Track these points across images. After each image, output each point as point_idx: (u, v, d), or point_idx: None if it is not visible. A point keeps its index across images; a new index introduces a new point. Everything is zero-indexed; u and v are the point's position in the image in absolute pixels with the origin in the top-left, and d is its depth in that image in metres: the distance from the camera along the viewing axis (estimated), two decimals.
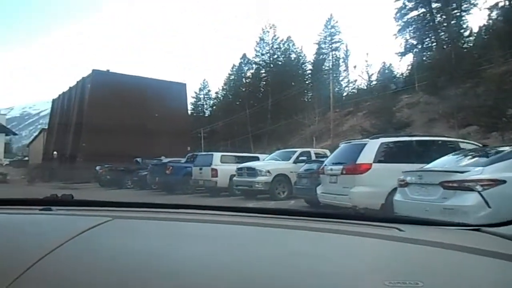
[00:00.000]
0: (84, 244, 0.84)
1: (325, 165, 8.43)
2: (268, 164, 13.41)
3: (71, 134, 34.23)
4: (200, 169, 15.29)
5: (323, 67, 53.90)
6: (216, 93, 65.94)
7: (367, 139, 8.03)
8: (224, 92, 62.77)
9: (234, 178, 13.75)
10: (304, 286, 0.70)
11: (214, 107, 65.55)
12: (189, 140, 38.40)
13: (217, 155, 15.32)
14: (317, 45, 55.02)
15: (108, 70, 35.93)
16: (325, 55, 54.95)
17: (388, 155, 7.55)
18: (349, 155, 7.88)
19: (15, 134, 52.24)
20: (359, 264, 0.79)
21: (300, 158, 13.33)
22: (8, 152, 65.14)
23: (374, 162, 7.34)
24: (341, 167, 7.72)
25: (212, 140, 49.73)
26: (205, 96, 67.01)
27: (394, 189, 6.79)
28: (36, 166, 39.25)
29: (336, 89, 48.78)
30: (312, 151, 14.46)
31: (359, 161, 7.41)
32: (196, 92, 64.40)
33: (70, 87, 39.62)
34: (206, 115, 65.00)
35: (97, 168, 26.28)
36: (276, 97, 47.81)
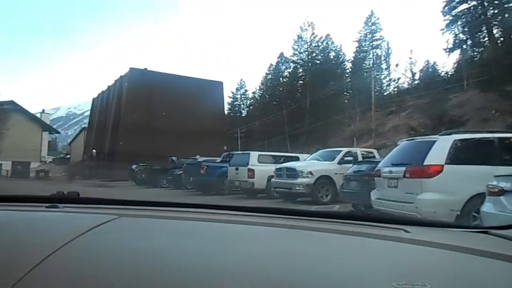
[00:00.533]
0: (90, 242, 0.82)
1: (382, 166, 7.11)
2: (310, 164, 12.17)
3: (109, 132, 34.21)
4: (236, 169, 14.25)
5: (363, 65, 51.85)
6: (253, 93, 65.23)
7: (435, 136, 6.64)
8: (261, 92, 61.82)
9: (273, 180, 12.60)
10: (310, 287, 0.68)
11: (251, 107, 64.83)
12: (226, 139, 37.56)
13: (254, 155, 14.22)
14: (357, 42, 52.97)
15: (145, 69, 35.70)
16: (365, 53, 52.85)
17: (463, 155, 6.17)
18: (414, 154, 6.56)
19: (58, 132, 53.51)
20: (366, 265, 0.77)
21: (345, 158, 12.03)
22: (54, 150, 67.14)
23: (446, 163, 5.99)
24: (403, 169, 6.39)
25: (249, 140, 48.87)
26: (242, 96, 66.37)
27: (474, 197, 5.54)
28: (76, 164, 39.75)
29: (377, 88, 46.64)
30: (358, 151, 13.06)
31: (427, 162, 6.07)
32: (233, 92, 63.83)
33: (108, 86, 39.75)
34: (243, 115, 64.35)
35: (133, 166, 26.01)
36: (314, 96, 46.36)
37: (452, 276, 0.75)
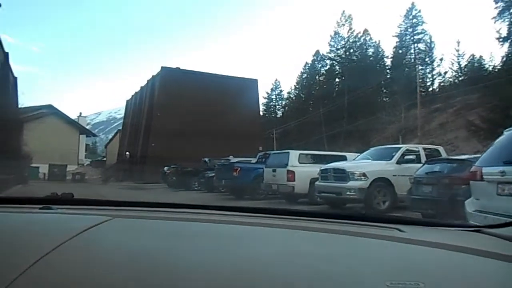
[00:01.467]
0: (84, 243, 0.81)
1: (483, 165, 4.95)
2: (363, 165, 10.02)
3: (141, 134, 33.15)
4: (274, 170, 12.31)
5: (404, 61, 48.69)
6: (288, 93, 63.36)
7: None
8: (297, 92, 59.78)
9: (317, 183, 10.57)
10: (305, 287, 0.68)
11: (286, 108, 63.05)
12: (261, 139, 35.71)
13: (294, 154, 12.21)
14: (397, 37, 49.93)
15: (177, 68, 34.41)
16: (406, 48, 49.65)
17: None
18: None
19: (94, 135, 53.62)
20: (359, 264, 0.77)
21: (406, 157, 9.84)
22: (94, 153, 67.66)
23: None
24: None
25: (284, 141, 46.88)
26: (277, 97, 64.57)
27: None
28: (111, 166, 39.15)
29: (420, 84, 43.42)
30: (421, 148, 10.79)
31: None
32: (267, 93, 62.06)
33: (141, 87, 38.81)
34: (278, 116, 62.56)
35: (165, 168, 24.75)
36: (353, 94, 43.82)
37: (446, 275, 0.74)
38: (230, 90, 32.44)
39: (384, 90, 49.24)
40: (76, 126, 44.18)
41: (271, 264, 0.75)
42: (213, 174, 17.65)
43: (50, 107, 42.61)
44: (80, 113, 48.39)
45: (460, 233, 1.09)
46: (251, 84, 36.50)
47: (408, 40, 49.41)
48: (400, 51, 49.45)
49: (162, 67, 33.29)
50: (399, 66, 47.21)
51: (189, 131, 28.72)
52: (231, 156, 17.68)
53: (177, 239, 0.89)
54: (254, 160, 16.06)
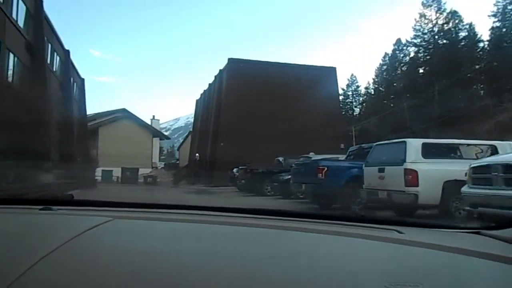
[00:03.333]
0: (84, 245, 0.80)
1: None
2: None
3: (210, 133, 30.20)
4: (380, 170, 8.09)
5: (505, 44, 40.93)
6: (366, 88, 57.70)
7: None
8: (376, 86, 53.97)
9: (464, 189, 6.15)
10: None
11: (364, 104, 57.49)
12: (342, 134, 30.98)
13: (414, 144, 7.80)
14: (494, 17, 42.26)
15: (246, 59, 30.85)
16: (507, 29, 41.78)
17: None
18: None
19: (167, 138, 52.49)
20: (358, 266, 0.76)
21: None
22: (171, 157, 67.32)
23: None
24: None
25: (363, 140, 41.69)
26: (354, 93, 59.19)
27: None
28: (182, 169, 37.06)
29: None
30: None
31: None
32: (343, 89, 56.79)
33: (209, 84, 36.03)
34: (355, 113, 57.19)
35: (234, 170, 21.49)
36: (444, 83, 37.44)
37: (445, 276, 0.74)
38: (306, 81, 28.10)
39: (482, 77, 41.86)
40: (149, 129, 42.95)
41: (269, 265, 0.74)
42: (289, 177, 13.95)
43: (124, 110, 41.76)
44: (153, 116, 47.30)
45: (459, 234, 1.08)
46: (329, 73, 31.59)
47: (508, 18, 41.56)
48: (500, 32, 41.69)
49: (229, 59, 29.87)
50: (499, 49, 39.69)
51: (260, 128, 25.16)
52: (311, 153, 13.64)
53: (176, 240, 0.88)
54: (342, 157, 11.93)
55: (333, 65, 31.59)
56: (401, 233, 0.98)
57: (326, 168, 9.83)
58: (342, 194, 9.59)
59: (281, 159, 18.03)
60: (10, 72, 14.24)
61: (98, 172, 37.59)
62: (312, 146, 20.33)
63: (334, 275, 0.72)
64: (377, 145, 8.90)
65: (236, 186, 20.79)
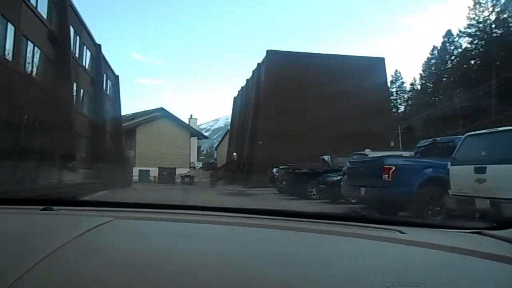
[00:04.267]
0: (85, 245, 0.79)
1: None
2: None
3: (248, 131, 28.20)
4: (479, 170, 5.77)
5: None
6: (412, 84, 53.99)
7: None
8: (423, 81, 50.21)
9: None
10: None
11: (410, 101, 53.80)
12: (392, 131, 28.06)
13: None
14: None
15: (286, 50, 28.45)
16: None
17: None
18: None
19: (205, 137, 51.37)
20: (360, 266, 0.75)
21: None
22: (211, 157, 66.35)
23: None
24: None
25: (409, 139, 38.48)
26: (398, 90, 55.52)
27: None
28: (218, 169, 35.50)
29: None
30: None
31: None
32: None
33: (247, 80, 33.96)
34: (400, 111, 53.57)
35: (274, 170, 19.50)
36: (502, 76, 33.61)
37: (446, 276, 0.73)
38: (352, 73, 25.37)
39: None
40: (187, 128, 41.82)
41: (271, 266, 0.73)
42: (338, 178, 11.77)
43: (161, 110, 40.84)
44: (191, 115, 46.15)
45: (461, 235, 1.07)
46: (378, 64, 28.46)
47: None
48: None
49: (267, 51, 27.34)
50: None
51: (301, 124, 22.95)
52: (367, 150, 11.33)
53: (178, 240, 0.86)
54: (407, 154, 9.59)
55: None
56: (403, 233, 0.97)
57: (393, 168, 7.56)
58: (415, 200, 7.32)
59: (326, 157, 15.80)
60: (29, 64, 12.82)
61: (135, 172, 36.96)
62: (359, 144, 17.97)
63: (336, 275, 0.71)
64: (469, 136, 6.50)
65: (276, 187, 18.81)
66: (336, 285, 0.68)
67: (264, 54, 27.45)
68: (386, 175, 7.52)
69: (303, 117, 23.74)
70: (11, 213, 1.10)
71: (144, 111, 40.97)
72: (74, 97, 17.73)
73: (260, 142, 24.20)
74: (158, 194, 17.48)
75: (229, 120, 41.09)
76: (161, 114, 40.18)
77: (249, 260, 0.76)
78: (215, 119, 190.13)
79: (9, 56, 12.19)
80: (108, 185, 18.10)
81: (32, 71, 12.65)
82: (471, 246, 0.86)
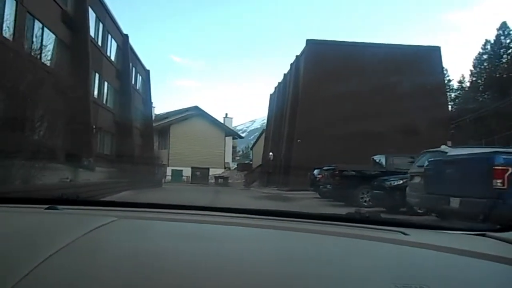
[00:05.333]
0: (89, 244, 0.79)
1: None
2: None
3: (285, 129, 25.75)
4: None
5: None
6: (460, 82, 49.57)
7: None
8: (473, 78, 45.85)
9: None
10: None
11: (457, 100, 49.51)
12: (447, 129, 24.66)
13: None
14: None
15: (327, 40, 25.54)
16: None
17: None
18: None
19: (240, 137, 49.43)
20: (364, 267, 0.74)
21: None
22: (247, 157, 64.48)
23: None
24: None
25: (457, 140, 34.73)
26: (446, 88, 51.23)
27: None
28: (254, 169, 33.31)
29: None
30: None
31: None
32: None
33: (284, 74, 31.19)
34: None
35: (315, 172, 17.08)
36: None
37: (450, 278, 0.72)
38: (403, 64, 22.06)
39: None
40: (222, 127, 39.96)
41: (274, 266, 0.72)
42: (400, 182, 9.35)
43: (196, 108, 39.22)
44: (226, 114, 44.22)
45: (464, 236, 1.05)
46: (432, 54, 24.69)
47: None
48: None
49: (307, 41, 24.40)
50: None
51: (346, 121, 20.26)
52: (443, 146, 8.63)
53: (181, 240, 0.86)
54: (503, 149, 6.87)
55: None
56: (406, 234, 0.96)
57: (510, 170, 4.95)
58: None
59: (379, 158, 13.16)
60: (36, 46, 11.01)
61: (168, 171, 35.46)
62: (412, 144, 15.16)
63: (339, 276, 0.70)
64: None
65: (317, 191, 16.35)
66: (340, 287, 0.67)
67: (304, 46, 24.75)
68: (500, 181, 4.93)
69: (347, 113, 21.05)
70: (15, 212, 1.09)
71: (178, 110, 39.50)
72: (96, 88, 16.11)
73: (299, 140, 21.69)
74: (184, 196, 15.57)
75: (265, 121, 38.74)
76: (196, 113, 38.55)
77: (252, 260, 0.75)
78: (252, 120, 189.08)
79: (7, 35, 10.49)
80: (133, 185, 16.35)
81: (39, 54, 10.80)
82: (475, 248, 0.85)
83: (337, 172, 12.43)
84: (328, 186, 12.76)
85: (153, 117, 38.72)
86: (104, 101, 18.53)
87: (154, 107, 40.03)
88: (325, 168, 16.00)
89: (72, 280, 0.65)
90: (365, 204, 11.53)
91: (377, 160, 13.20)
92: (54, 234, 0.83)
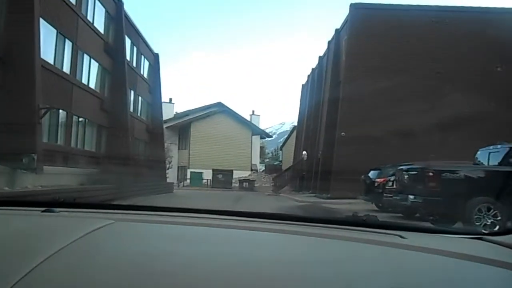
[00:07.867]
0: (86, 247, 0.78)
1: None
2: None
3: (323, 122, 20.33)
4: None
5: None
6: None
7: None
8: None
9: None
10: None
11: None
12: None
13: None
14: None
15: (379, 4, 19.64)
16: None
17: None
18: None
19: (269, 136, 44.44)
20: (360, 270, 0.73)
21: None
22: (276, 160, 59.26)
23: None
24: None
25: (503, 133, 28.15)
26: None
27: None
28: (283, 172, 28.08)
29: None
30: None
31: None
32: None
33: (319, 57, 25.39)
34: None
35: (370, 174, 12.03)
36: None
37: (447, 282, 0.71)
38: (479, 34, 16.20)
39: None
40: (248, 125, 35.03)
41: (271, 269, 0.71)
42: None
43: (219, 105, 34.47)
44: (253, 111, 39.26)
45: (461, 240, 1.03)
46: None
47: None
48: None
49: (351, 5, 17.99)
50: None
51: (405, 108, 14.85)
52: None
53: (178, 242, 0.84)
54: None
55: None
56: (404, 238, 0.94)
57: None
58: None
59: (495, 149, 7.80)
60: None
61: (189, 174, 30.86)
62: (490, 137, 9.63)
63: (337, 279, 0.69)
64: None
65: (376, 201, 11.14)
66: None
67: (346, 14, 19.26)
68: None
69: (407, 98, 15.61)
70: (12, 215, 1.08)
71: (200, 107, 34.88)
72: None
73: (343, 133, 16.31)
74: (192, 204, 10.89)
75: (295, 124, 33.51)
76: (219, 110, 33.82)
77: (250, 263, 0.74)
78: (281, 123, 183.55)
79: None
80: (124, 192, 11.85)
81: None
82: (472, 252, 0.84)
83: (431, 174, 7.06)
84: (411, 197, 7.42)
85: (173, 115, 34.41)
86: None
87: (173, 103, 35.86)
88: (388, 166, 10.77)
89: (69, 282, 0.64)
90: (489, 224, 6.26)
91: (490, 154, 7.79)
92: (51, 237, 0.80)
